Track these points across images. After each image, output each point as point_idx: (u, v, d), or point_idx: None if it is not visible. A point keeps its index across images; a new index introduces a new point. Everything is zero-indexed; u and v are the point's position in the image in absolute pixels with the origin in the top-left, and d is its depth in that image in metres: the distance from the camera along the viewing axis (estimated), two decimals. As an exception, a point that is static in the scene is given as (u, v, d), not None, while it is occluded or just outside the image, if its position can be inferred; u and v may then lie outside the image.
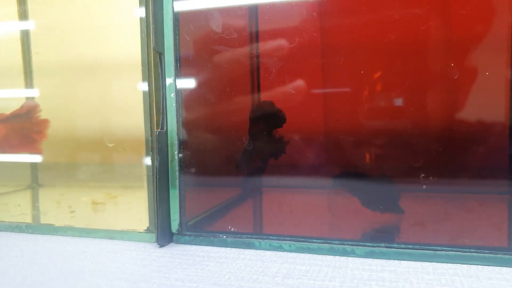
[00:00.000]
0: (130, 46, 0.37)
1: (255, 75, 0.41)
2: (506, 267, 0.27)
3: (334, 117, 0.40)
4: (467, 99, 0.40)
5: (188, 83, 0.35)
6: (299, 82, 0.38)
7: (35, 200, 0.48)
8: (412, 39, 0.40)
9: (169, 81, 0.33)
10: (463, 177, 0.39)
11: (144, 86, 0.35)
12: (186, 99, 0.34)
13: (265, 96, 0.42)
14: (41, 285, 0.26)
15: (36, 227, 0.39)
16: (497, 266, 0.28)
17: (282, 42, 0.37)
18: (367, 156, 0.37)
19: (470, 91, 0.39)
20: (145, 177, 0.38)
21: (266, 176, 0.47)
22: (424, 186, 0.30)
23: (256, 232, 0.35)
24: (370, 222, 0.33)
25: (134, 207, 0.41)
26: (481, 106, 0.41)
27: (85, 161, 0.44)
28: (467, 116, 0.39)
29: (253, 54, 0.37)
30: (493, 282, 0.25)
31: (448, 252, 0.28)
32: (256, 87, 0.41)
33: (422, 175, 0.30)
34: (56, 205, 0.45)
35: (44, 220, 0.42)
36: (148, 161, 0.37)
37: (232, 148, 0.41)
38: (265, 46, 0.38)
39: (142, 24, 0.34)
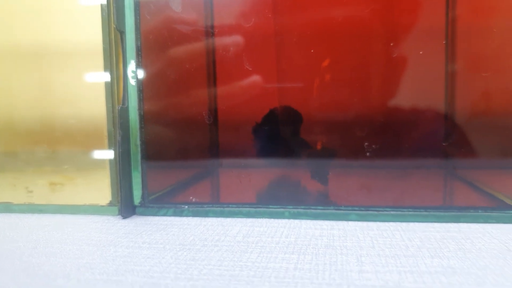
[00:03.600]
0: (87, 31, 0.38)
1: (211, 55, 0.43)
2: (438, 222, 0.31)
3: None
4: (406, 84, 0.43)
5: (149, 62, 0.36)
6: (256, 61, 0.41)
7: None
8: (357, 28, 0.43)
9: (130, 60, 0.35)
10: (406, 153, 0.43)
11: (106, 68, 0.36)
12: (147, 78, 0.36)
13: (223, 74, 0.44)
14: (10, 253, 0.27)
15: (-7, 206, 0.39)
16: (431, 222, 0.31)
17: (239, 22, 0.39)
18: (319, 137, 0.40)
19: (409, 77, 0.43)
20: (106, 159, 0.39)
21: (227, 156, 0.49)
22: (368, 154, 0.33)
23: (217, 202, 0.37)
24: (321, 189, 0.36)
25: (94, 187, 0.42)
26: (418, 92, 0.45)
27: (39, 147, 0.44)
28: (407, 101, 0.43)
29: (210, 34, 0.39)
30: (427, 234, 0.29)
31: (390, 212, 0.32)
32: (212, 66, 0.43)
33: (366, 143, 0.33)
34: (12, 187, 0.44)
35: None
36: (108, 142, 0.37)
37: (193, 125, 0.42)
38: (223, 27, 0.40)
39: (103, 4, 0.35)
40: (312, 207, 0.33)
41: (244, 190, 0.40)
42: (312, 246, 0.26)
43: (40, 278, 0.23)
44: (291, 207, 0.33)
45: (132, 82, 0.35)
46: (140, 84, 0.35)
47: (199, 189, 0.42)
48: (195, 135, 0.45)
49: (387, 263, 0.24)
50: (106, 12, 0.35)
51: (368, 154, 0.33)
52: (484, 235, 0.28)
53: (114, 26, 0.33)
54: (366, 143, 0.33)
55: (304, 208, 0.33)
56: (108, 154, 0.38)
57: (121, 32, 0.34)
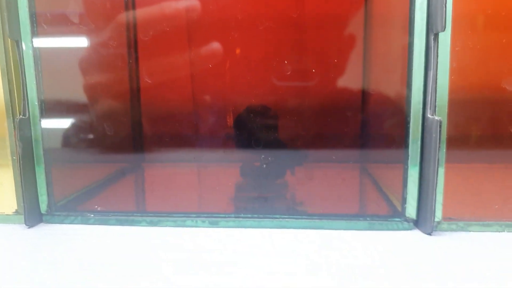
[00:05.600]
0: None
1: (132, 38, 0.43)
2: (324, 229, 0.34)
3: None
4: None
5: (48, 46, 0.35)
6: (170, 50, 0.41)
7: None
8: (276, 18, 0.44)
9: (25, 35, 0.34)
10: (312, 150, 0.45)
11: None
12: (47, 68, 0.35)
13: (144, 65, 0.44)
14: None
15: None
16: (319, 229, 0.34)
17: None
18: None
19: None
20: (9, 156, 0.38)
21: (145, 152, 0.50)
22: (265, 166, 0.35)
23: (135, 209, 0.38)
24: (235, 196, 0.38)
25: (3, 189, 0.41)
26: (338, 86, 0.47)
27: None
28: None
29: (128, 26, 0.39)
30: (307, 245, 0.31)
31: (285, 219, 0.34)
32: (134, 57, 0.43)
33: (262, 156, 0.35)
34: None
35: None
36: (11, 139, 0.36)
37: (103, 118, 0.42)
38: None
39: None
40: (214, 215, 0.35)
41: (161, 194, 0.41)
42: (202, 262, 0.28)
43: None
44: (194, 215, 0.35)
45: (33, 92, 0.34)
46: (42, 93, 0.34)
47: (110, 193, 0.43)
48: (110, 131, 0.45)
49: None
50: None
51: (264, 166, 0.35)
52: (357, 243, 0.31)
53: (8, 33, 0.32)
54: (262, 156, 0.35)
55: (206, 216, 0.35)
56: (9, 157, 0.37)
57: (16, 41, 0.33)
